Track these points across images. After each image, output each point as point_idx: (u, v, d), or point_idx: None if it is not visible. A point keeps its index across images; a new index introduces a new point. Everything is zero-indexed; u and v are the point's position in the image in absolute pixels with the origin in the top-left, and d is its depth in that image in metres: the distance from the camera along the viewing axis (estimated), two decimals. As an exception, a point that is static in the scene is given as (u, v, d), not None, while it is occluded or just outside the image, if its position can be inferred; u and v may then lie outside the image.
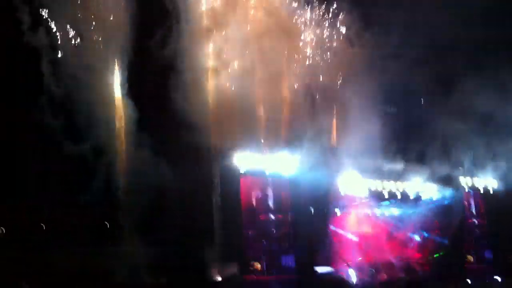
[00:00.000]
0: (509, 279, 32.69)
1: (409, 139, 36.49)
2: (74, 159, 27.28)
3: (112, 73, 30.08)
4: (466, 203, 35.38)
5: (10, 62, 27.96)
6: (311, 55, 37.12)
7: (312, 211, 31.59)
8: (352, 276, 32.28)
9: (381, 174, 33.92)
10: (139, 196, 28.62)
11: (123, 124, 29.86)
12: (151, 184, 28.28)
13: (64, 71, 28.26)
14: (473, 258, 35.28)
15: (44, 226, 29.22)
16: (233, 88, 33.98)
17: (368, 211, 34.93)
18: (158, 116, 30.75)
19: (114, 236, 28.59)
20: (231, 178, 30.62)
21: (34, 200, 28.72)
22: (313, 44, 37.56)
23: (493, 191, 35.80)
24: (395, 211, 35.38)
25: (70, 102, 27.92)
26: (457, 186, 35.16)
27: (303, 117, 36.25)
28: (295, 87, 35.60)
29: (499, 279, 33.83)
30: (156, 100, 30.85)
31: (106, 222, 29.67)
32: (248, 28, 33.96)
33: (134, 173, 28.98)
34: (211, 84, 33.42)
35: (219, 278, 28.97)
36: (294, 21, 35.09)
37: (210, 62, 33.59)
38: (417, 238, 35.38)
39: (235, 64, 34.70)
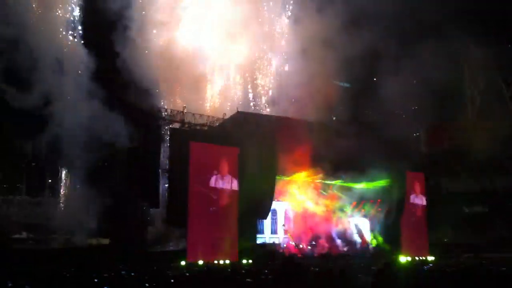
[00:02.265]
0: (442, 259, 33.42)
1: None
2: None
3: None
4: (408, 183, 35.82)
5: None
6: (269, 20, 37.00)
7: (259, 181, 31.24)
8: (292, 246, 32.79)
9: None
10: (87, 148, 28.14)
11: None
12: (100, 138, 27.77)
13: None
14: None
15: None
16: (184, 47, 33.54)
17: (314, 182, 35.34)
18: (110, 73, 30.03)
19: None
20: (180, 141, 30.13)
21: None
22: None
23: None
24: (340, 184, 35.90)
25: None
26: (400, 166, 35.48)
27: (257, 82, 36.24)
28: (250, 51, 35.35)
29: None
30: (108, 55, 30.12)
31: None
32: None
33: (83, 125, 28.44)
34: (160, 42, 32.75)
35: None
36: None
37: (159, 16, 32.98)
38: (358, 214, 36.09)
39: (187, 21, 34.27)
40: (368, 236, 35.50)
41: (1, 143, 27.22)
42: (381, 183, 34.90)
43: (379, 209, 35.52)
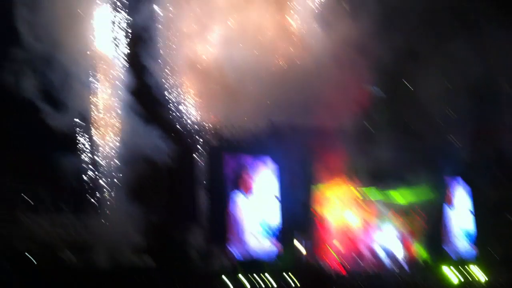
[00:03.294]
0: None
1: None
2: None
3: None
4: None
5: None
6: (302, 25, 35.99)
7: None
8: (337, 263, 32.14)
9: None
10: (127, 166, 27.77)
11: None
12: (140, 154, 27.36)
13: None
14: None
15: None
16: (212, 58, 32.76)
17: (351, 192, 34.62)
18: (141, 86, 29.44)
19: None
20: (215, 155, 29.83)
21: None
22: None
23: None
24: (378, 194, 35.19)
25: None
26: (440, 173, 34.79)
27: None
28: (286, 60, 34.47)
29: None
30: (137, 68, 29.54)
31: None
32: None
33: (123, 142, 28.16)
34: (187, 54, 32.01)
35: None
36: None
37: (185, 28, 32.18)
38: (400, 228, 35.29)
39: (217, 31, 33.40)
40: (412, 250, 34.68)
41: (40, 162, 26.69)
42: (420, 191, 34.21)
43: (419, 218, 34.75)
